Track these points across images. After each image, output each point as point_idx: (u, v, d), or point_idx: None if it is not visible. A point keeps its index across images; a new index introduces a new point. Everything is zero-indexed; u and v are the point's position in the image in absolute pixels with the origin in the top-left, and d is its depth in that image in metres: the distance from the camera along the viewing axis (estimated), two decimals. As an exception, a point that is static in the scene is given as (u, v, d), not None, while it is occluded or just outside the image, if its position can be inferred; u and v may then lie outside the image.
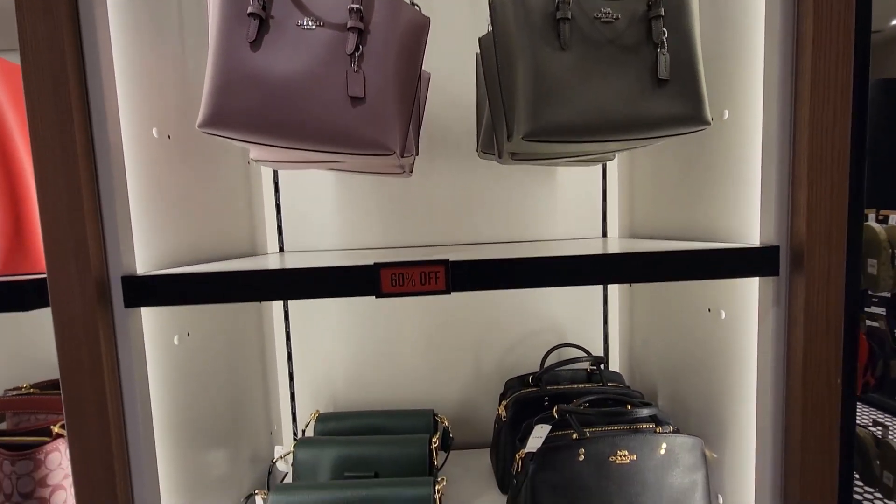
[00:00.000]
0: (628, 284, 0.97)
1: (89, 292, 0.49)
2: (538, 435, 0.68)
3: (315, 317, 1.01)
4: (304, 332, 1.01)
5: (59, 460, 0.55)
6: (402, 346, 1.02)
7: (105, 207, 0.50)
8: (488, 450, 1.00)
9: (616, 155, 0.92)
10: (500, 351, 1.03)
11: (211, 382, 0.71)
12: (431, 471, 0.79)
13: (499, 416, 0.88)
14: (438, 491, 0.67)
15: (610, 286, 1.03)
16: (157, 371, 0.57)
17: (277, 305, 1.00)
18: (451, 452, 1.00)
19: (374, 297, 0.49)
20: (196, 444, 0.66)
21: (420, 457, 0.79)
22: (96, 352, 0.49)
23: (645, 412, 0.65)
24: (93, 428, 0.50)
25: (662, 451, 0.65)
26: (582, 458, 0.64)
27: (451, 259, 0.50)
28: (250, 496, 0.66)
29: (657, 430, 0.66)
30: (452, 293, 0.49)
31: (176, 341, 0.62)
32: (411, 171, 0.78)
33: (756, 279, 0.56)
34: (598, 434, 0.65)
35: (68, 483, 0.57)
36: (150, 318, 0.56)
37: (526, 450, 0.68)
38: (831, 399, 0.50)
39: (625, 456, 0.65)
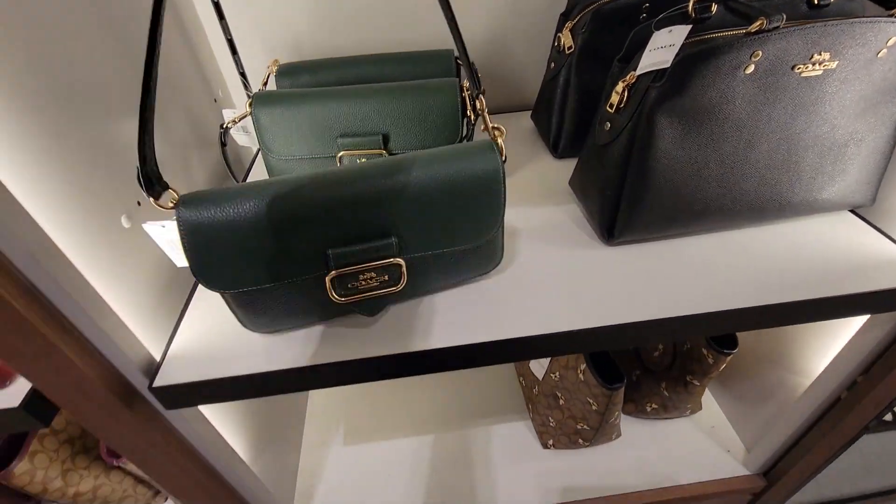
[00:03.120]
0: None
1: None
2: (665, 43, 0.39)
3: None
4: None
5: None
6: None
7: None
8: (527, 112, 0.74)
9: None
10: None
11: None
12: (464, 129, 0.54)
13: (559, 49, 0.58)
14: (504, 159, 0.41)
15: None
16: None
17: None
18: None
19: None
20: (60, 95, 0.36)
21: (448, 109, 0.52)
22: None
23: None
24: None
25: (883, 52, 0.38)
26: (752, 69, 0.37)
27: None
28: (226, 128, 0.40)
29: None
30: None
31: None
32: None
33: None
34: (789, 28, 0.36)
35: None
36: None
37: (640, 70, 0.40)
38: None
39: (819, 64, 0.38)
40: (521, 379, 0.84)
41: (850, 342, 0.53)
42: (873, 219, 0.50)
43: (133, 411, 0.40)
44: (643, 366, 0.78)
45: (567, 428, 0.73)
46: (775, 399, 0.69)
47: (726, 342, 0.63)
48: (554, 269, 0.46)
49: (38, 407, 0.39)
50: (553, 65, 0.59)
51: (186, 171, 0.54)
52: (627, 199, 0.44)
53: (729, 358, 0.63)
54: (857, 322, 0.53)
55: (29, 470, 0.59)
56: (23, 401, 0.39)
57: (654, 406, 0.77)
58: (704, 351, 0.65)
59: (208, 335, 0.43)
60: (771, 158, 0.43)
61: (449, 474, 0.76)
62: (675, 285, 0.43)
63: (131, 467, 0.68)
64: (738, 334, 0.76)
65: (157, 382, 0.39)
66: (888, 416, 0.80)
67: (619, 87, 0.42)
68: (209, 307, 0.46)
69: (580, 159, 0.51)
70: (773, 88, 0.39)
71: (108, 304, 0.37)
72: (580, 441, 0.74)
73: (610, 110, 0.44)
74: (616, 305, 0.42)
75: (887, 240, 0.47)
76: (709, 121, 0.40)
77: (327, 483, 0.77)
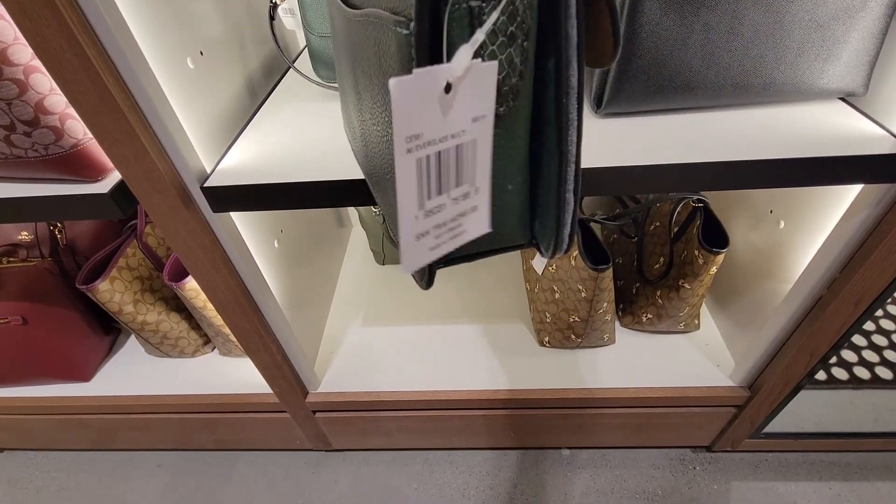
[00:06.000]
0: None
1: None
2: (658, -89, 0.42)
3: None
4: None
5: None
6: None
7: None
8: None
9: None
10: None
11: None
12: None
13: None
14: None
15: None
16: None
17: None
18: None
19: None
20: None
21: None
22: None
23: None
24: None
25: (869, -83, 0.40)
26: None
27: None
28: None
29: None
30: None
31: None
32: None
33: None
34: None
35: None
36: None
37: (633, -62, 0.44)
38: None
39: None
40: (527, 284, 0.90)
41: (827, 240, 0.56)
42: (868, 110, 0.51)
43: (189, 210, 0.51)
44: (644, 278, 0.82)
45: (561, 322, 0.79)
46: (764, 312, 0.71)
47: (717, 242, 0.66)
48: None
49: (120, 198, 0.51)
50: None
51: (242, 51, 0.64)
52: (615, 67, 0.49)
53: (718, 258, 0.66)
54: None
55: (109, 290, 0.73)
56: (110, 190, 0.50)
57: (649, 316, 0.81)
58: (696, 252, 0.68)
59: (250, 161, 0.53)
60: (756, 32, 0.46)
61: (449, 357, 0.85)
62: (657, 144, 0.48)
63: (187, 310, 0.81)
64: (731, 248, 0.79)
65: (207, 184, 0.49)
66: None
67: (615, -43, 0.46)
68: (252, 143, 0.56)
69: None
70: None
71: (179, 119, 0.47)
72: (572, 336, 0.80)
73: (606, -18, 0.48)
74: (599, 152, 0.47)
75: (881, 129, 0.48)
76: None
77: (344, 352, 0.88)
